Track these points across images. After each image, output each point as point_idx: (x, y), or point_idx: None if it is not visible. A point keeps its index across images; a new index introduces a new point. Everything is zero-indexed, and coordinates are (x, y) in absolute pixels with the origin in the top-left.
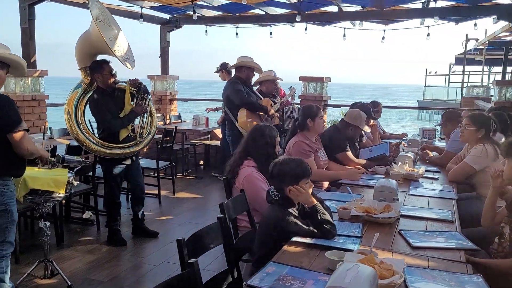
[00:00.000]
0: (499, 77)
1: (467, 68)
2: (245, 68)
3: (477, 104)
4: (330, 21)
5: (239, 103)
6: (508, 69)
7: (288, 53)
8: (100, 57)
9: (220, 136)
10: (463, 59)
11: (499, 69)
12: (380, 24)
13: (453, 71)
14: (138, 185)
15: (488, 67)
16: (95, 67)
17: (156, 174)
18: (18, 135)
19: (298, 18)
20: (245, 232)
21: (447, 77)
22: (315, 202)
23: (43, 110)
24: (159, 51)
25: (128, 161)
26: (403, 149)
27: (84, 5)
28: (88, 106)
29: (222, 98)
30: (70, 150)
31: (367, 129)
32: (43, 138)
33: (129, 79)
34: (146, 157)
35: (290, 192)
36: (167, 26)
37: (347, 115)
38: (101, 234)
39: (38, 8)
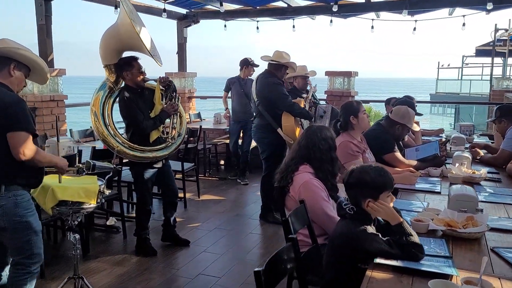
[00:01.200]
0: None
1: (482, 60)
2: (285, 67)
3: (508, 97)
4: (356, 13)
5: (287, 110)
6: None
7: (305, 46)
8: (126, 54)
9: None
10: (492, 51)
11: None
12: (405, 15)
13: (466, 64)
14: (171, 189)
15: (502, 58)
16: (124, 64)
17: (181, 177)
18: (16, 135)
19: (335, 8)
20: (307, 249)
21: (460, 70)
22: (401, 219)
23: (62, 111)
24: (176, 47)
25: (159, 164)
26: (450, 147)
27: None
28: (118, 105)
29: (252, 95)
30: (97, 154)
31: (416, 127)
32: (58, 141)
33: (159, 76)
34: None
35: (369, 206)
36: (184, 22)
37: (394, 113)
38: (129, 243)
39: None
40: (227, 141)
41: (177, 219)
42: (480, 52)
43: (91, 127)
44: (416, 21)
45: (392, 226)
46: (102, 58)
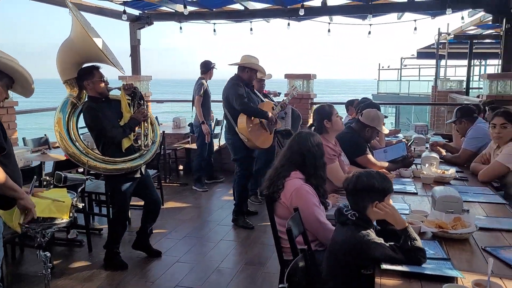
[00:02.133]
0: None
1: (419, 62)
2: (249, 69)
3: (453, 98)
4: (311, 16)
5: (240, 110)
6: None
7: (263, 49)
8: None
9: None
10: (436, 53)
11: (454, 62)
12: (358, 19)
13: (405, 65)
14: (154, 198)
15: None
16: (85, 74)
17: None
18: None
19: (301, 12)
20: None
21: (399, 71)
22: (407, 224)
23: (12, 118)
24: (129, 50)
25: (138, 174)
26: (414, 148)
27: (47, 0)
28: (83, 118)
29: (222, 98)
30: (59, 165)
31: (385, 130)
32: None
33: (123, 84)
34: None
35: (376, 209)
36: (137, 23)
37: (364, 116)
38: (95, 256)
39: None
40: (187, 145)
41: None
42: (421, 54)
43: (45, 134)
44: (370, 25)
45: (398, 230)
46: (60, 74)
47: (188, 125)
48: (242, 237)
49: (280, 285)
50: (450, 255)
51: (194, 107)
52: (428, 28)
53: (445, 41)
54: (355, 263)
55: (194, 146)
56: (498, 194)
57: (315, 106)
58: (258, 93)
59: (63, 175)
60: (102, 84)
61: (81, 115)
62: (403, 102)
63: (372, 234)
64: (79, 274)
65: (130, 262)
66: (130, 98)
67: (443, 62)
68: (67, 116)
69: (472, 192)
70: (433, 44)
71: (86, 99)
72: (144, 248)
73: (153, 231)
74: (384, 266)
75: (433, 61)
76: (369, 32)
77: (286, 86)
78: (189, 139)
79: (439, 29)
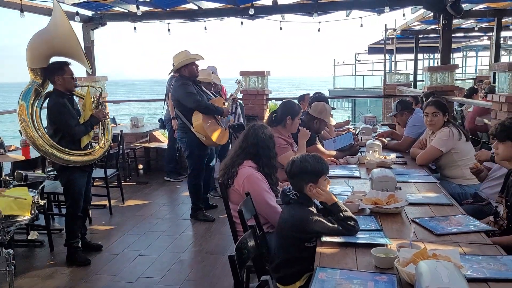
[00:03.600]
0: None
1: (372, 57)
2: (185, 66)
3: (400, 90)
4: (263, 14)
5: (193, 107)
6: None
7: (218, 48)
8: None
9: (161, 138)
10: (384, 48)
11: (402, 56)
12: (309, 17)
13: (359, 61)
14: (88, 195)
15: (389, 55)
16: (56, 69)
17: (103, 183)
18: None
19: (251, 11)
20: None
21: (353, 66)
22: (336, 199)
23: None
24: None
25: (89, 169)
26: (361, 137)
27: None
28: (47, 111)
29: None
30: (18, 165)
31: (332, 122)
32: None
33: (90, 82)
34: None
35: (311, 190)
36: (90, 24)
37: (312, 109)
38: (57, 255)
39: None
40: (146, 144)
41: (105, 227)
42: (372, 49)
43: (0, 137)
44: (320, 22)
45: (329, 206)
46: (29, 61)
47: (158, 120)
48: (202, 229)
49: (229, 254)
50: (383, 227)
51: (165, 103)
52: (378, 24)
53: (393, 36)
54: (299, 237)
55: (153, 145)
56: (433, 175)
57: (276, 101)
58: (207, 90)
59: (23, 174)
60: (72, 82)
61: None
62: (355, 95)
63: (312, 211)
64: (41, 272)
65: (91, 258)
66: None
67: (394, 56)
68: (30, 103)
69: (410, 174)
70: (382, 40)
71: (51, 91)
72: (83, 245)
73: (117, 230)
74: (324, 239)
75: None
76: (319, 29)
77: (242, 83)
78: (148, 138)
79: (385, 25)
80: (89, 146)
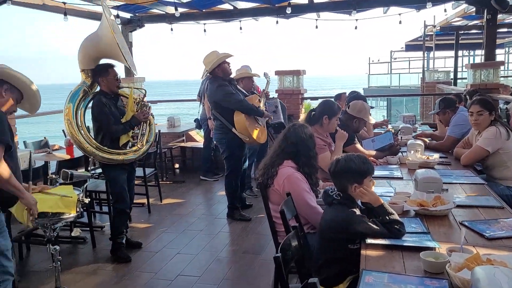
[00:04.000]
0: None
1: (409, 54)
2: (218, 66)
3: (440, 88)
4: (298, 13)
5: (235, 108)
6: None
7: (253, 47)
8: (103, 61)
9: (197, 138)
10: (422, 45)
11: (441, 53)
12: (345, 15)
13: (395, 58)
14: (132, 194)
15: (427, 52)
16: (100, 70)
17: (142, 182)
18: None
19: (288, 11)
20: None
21: (389, 64)
22: (382, 201)
23: (13, 123)
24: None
25: (129, 167)
26: (401, 137)
27: (43, 7)
28: (91, 110)
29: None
30: (63, 165)
31: (372, 120)
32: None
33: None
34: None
35: (355, 191)
36: (129, 26)
37: (351, 108)
38: (99, 252)
39: None
40: (182, 144)
41: (144, 225)
42: (409, 47)
43: (45, 137)
44: (356, 20)
45: (375, 207)
46: (80, 62)
47: (194, 121)
48: (239, 228)
49: (274, 255)
50: (430, 229)
51: (201, 104)
52: (416, 21)
53: (432, 33)
54: (342, 238)
55: (189, 144)
56: (479, 176)
57: (319, 100)
58: (242, 89)
59: (69, 173)
60: (115, 83)
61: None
62: (392, 94)
63: (356, 211)
64: (84, 268)
65: (132, 255)
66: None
67: (432, 54)
68: (76, 104)
69: (455, 175)
70: (421, 37)
71: (98, 91)
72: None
73: (155, 229)
74: (369, 241)
75: (422, 53)
76: (356, 27)
77: (277, 83)
78: (184, 138)
79: (424, 21)
80: (129, 145)
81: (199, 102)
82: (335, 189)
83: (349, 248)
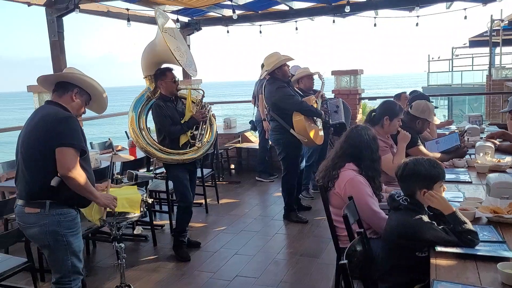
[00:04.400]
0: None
1: (472, 51)
2: (278, 68)
3: (509, 86)
4: (355, 11)
5: (294, 110)
6: None
7: (307, 47)
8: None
9: (252, 139)
10: (489, 41)
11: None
12: (405, 11)
13: (457, 55)
14: (193, 193)
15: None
16: (159, 74)
17: (200, 182)
18: (64, 150)
19: (347, 9)
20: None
21: (450, 61)
22: (454, 209)
23: (80, 124)
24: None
25: (191, 167)
26: (468, 138)
27: (107, 14)
28: (151, 113)
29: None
30: (126, 165)
31: (436, 121)
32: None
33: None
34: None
35: (424, 196)
36: (187, 30)
37: (413, 108)
38: (160, 250)
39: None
40: (238, 145)
41: (202, 225)
42: (473, 43)
43: (109, 138)
44: (418, 16)
45: (446, 215)
46: (143, 69)
47: (249, 122)
48: (296, 230)
49: (340, 262)
50: (505, 238)
51: (255, 105)
52: (480, 15)
53: (499, 27)
54: (409, 245)
55: (244, 145)
56: None
57: (381, 100)
58: (298, 90)
59: (134, 173)
60: (173, 86)
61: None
62: (455, 93)
63: (424, 218)
64: (146, 266)
65: (191, 254)
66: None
67: (498, 50)
68: (138, 111)
69: None
70: (486, 32)
71: (158, 95)
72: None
73: (213, 229)
74: (439, 249)
75: (487, 49)
76: (417, 24)
77: (333, 83)
78: (240, 139)
79: (491, 16)
80: (188, 146)
81: (253, 104)
82: (401, 194)
83: (417, 256)
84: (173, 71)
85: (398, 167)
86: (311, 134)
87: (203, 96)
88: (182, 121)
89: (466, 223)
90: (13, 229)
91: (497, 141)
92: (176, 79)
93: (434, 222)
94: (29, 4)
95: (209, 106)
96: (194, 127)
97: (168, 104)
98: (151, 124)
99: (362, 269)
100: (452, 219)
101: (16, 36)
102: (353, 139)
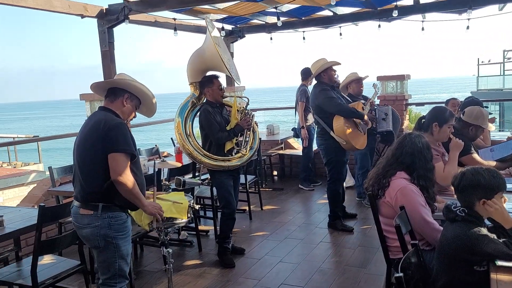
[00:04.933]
0: None
1: None
2: (324, 71)
3: None
4: (402, 15)
5: (334, 111)
6: None
7: (352, 52)
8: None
9: (295, 146)
10: None
11: None
12: (454, 14)
13: (508, 58)
14: (236, 199)
15: None
16: (206, 81)
17: (243, 189)
18: (116, 156)
19: (395, 13)
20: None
21: (502, 65)
22: None
23: None
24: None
25: (235, 173)
26: None
27: (155, 24)
28: (198, 118)
29: (310, 107)
30: (173, 172)
31: (491, 128)
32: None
33: (235, 95)
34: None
35: (484, 206)
36: (231, 37)
37: (466, 115)
38: (205, 256)
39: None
40: (281, 151)
41: (245, 231)
42: None
43: (156, 145)
44: (468, 19)
45: (508, 229)
46: (188, 76)
47: (292, 129)
48: (341, 239)
49: (396, 274)
50: None
51: (297, 113)
52: None
53: None
54: (466, 259)
55: (287, 152)
56: None
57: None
58: (347, 97)
59: (182, 180)
60: (220, 93)
61: (197, 115)
62: (507, 98)
63: (483, 230)
64: (192, 271)
65: (235, 261)
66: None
67: None
68: (184, 117)
69: None
70: None
71: (205, 101)
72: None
73: (256, 235)
74: (500, 263)
75: None
76: (468, 27)
77: (379, 88)
78: (283, 145)
79: None
80: (234, 152)
81: (294, 110)
82: (458, 204)
83: (475, 270)
84: (219, 79)
85: (455, 177)
86: (351, 137)
87: (247, 103)
88: (228, 128)
89: None
90: (67, 233)
91: None
92: (222, 87)
93: (493, 234)
94: (83, 16)
95: (253, 113)
96: (239, 134)
97: (215, 110)
98: (195, 131)
99: (416, 283)
100: None
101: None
102: (407, 147)
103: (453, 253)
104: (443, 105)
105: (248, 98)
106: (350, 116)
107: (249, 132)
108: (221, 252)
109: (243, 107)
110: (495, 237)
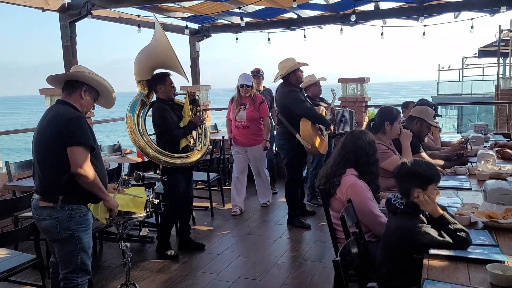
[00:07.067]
0: None
1: (482, 60)
2: (292, 72)
3: None
4: (363, 20)
5: (302, 114)
6: None
7: (315, 55)
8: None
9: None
10: (497, 51)
11: None
12: (413, 21)
13: (467, 65)
14: (190, 196)
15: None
16: (158, 79)
17: (206, 186)
18: (75, 149)
19: (353, 18)
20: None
21: (460, 71)
22: (441, 212)
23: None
24: (188, 61)
25: (188, 171)
26: (471, 147)
27: (119, 20)
28: (151, 116)
29: (275, 106)
30: (134, 168)
31: (435, 124)
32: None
33: (187, 91)
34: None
35: (418, 198)
36: (196, 36)
37: (412, 110)
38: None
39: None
40: None
41: (207, 228)
42: (483, 53)
43: (118, 142)
44: (425, 26)
45: (436, 219)
46: (136, 74)
47: None
48: (299, 235)
49: (334, 259)
50: (499, 242)
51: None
52: (490, 25)
53: (508, 38)
54: (407, 248)
55: None
56: None
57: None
58: (308, 100)
59: (141, 174)
60: (172, 90)
61: (149, 112)
62: (463, 102)
63: (421, 220)
64: (152, 266)
65: (195, 256)
66: (191, 103)
67: (508, 60)
68: (136, 113)
69: None
70: (495, 42)
71: (155, 100)
72: (187, 244)
73: (218, 232)
74: (432, 251)
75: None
76: (424, 33)
77: (340, 90)
78: None
79: (499, 26)
80: (188, 149)
81: None
82: (398, 197)
83: (414, 258)
84: (171, 76)
85: (396, 166)
86: (316, 141)
87: (198, 101)
88: (182, 125)
89: (455, 223)
90: (23, 226)
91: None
92: (173, 84)
93: (429, 225)
94: (44, 10)
95: (203, 111)
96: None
97: (168, 107)
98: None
99: (357, 269)
100: (441, 221)
101: (30, 41)
102: (349, 145)
103: (395, 243)
104: (399, 108)
105: (198, 96)
106: (317, 122)
107: (200, 130)
108: (161, 248)
109: (197, 104)
110: (430, 228)
